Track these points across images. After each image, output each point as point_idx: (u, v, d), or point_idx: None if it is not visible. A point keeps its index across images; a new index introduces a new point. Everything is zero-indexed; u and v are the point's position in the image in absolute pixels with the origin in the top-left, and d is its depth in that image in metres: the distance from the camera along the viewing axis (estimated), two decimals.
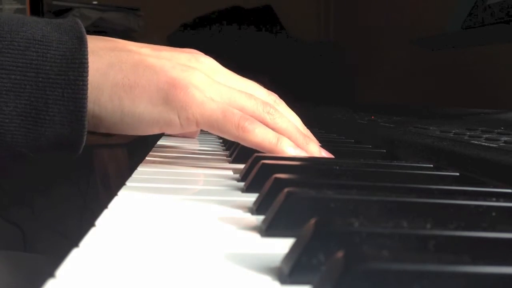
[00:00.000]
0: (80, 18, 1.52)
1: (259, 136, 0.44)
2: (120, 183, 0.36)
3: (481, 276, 0.18)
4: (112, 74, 0.42)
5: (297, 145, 0.47)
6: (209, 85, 0.45)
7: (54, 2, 1.51)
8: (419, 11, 1.26)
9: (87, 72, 0.40)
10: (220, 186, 0.39)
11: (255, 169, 0.38)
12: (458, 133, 0.49)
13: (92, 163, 1.33)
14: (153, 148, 0.62)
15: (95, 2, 1.57)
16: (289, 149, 0.45)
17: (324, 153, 0.48)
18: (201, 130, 0.53)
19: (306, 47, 1.72)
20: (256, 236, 0.27)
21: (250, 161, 0.42)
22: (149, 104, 0.43)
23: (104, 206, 0.30)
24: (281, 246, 0.24)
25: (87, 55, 0.40)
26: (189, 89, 0.44)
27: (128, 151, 1.33)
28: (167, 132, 0.46)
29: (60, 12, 1.52)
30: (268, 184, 0.32)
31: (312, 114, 1.08)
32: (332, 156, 0.49)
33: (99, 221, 0.27)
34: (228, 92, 0.46)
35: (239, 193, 0.37)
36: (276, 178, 0.32)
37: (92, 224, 0.26)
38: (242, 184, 0.40)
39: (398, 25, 1.36)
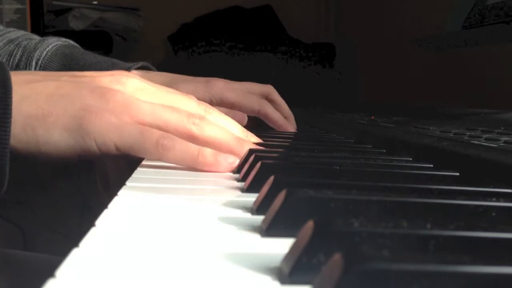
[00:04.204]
0: (80, 18, 1.52)
1: (179, 152, 0.43)
2: (120, 183, 0.36)
3: (481, 276, 0.18)
4: (25, 106, 0.42)
5: (231, 149, 0.46)
6: (129, 105, 0.44)
7: (54, 2, 1.52)
8: (419, 11, 1.26)
9: (10, 121, 0.41)
10: (220, 186, 0.39)
11: (255, 169, 0.38)
12: (458, 133, 0.49)
13: (92, 163, 1.33)
14: None
15: (95, 2, 1.57)
16: (211, 158, 0.44)
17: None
18: None
19: (306, 47, 1.72)
20: (256, 236, 0.27)
21: (250, 161, 0.42)
22: (65, 132, 0.43)
23: (104, 206, 0.30)
24: (281, 246, 0.24)
25: (11, 104, 0.41)
26: (105, 114, 0.43)
27: None
28: (89, 158, 0.45)
29: (60, 12, 1.52)
30: (268, 184, 0.32)
31: (312, 114, 1.08)
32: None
33: (99, 221, 0.27)
34: (150, 108, 0.45)
35: (239, 193, 0.37)
36: (276, 178, 0.32)
37: (92, 224, 0.26)
38: (242, 184, 0.40)
39: (398, 25, 1.36)
